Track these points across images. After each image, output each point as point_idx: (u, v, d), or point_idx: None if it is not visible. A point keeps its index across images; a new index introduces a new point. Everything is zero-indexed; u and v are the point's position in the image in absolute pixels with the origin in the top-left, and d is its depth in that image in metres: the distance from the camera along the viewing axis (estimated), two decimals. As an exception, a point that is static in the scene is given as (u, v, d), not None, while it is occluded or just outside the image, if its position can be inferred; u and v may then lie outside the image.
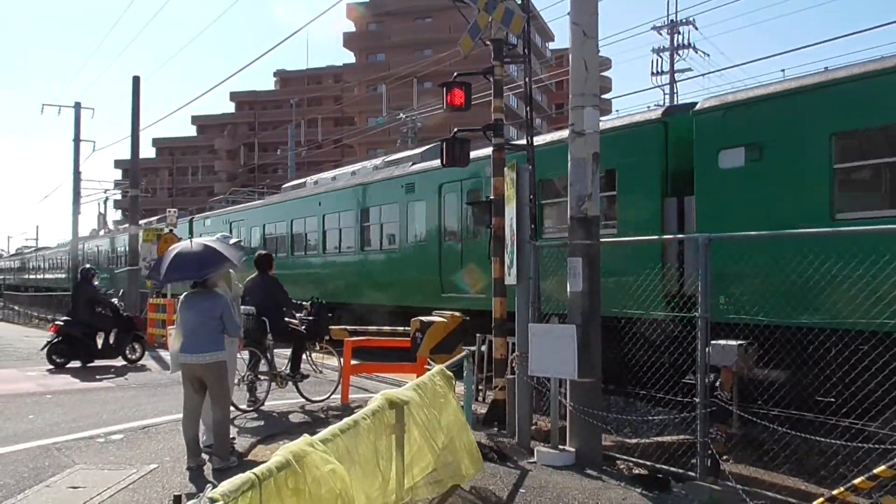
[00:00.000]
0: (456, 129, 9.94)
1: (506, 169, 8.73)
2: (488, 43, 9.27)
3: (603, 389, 7.76)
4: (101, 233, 51.48)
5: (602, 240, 7.39)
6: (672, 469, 6.93)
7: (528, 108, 9.86)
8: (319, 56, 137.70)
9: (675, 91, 33.01)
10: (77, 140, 39.11)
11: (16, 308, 49.83)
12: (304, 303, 11.06)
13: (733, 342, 7.99)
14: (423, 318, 10.06)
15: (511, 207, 8.35)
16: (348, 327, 14.34)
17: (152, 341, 18.82)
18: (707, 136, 10.25)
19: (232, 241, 8.14)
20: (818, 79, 9.16)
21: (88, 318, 14.57)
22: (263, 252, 10.81)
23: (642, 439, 8.86)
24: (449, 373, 6.51)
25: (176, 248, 7.15)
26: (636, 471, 7.00)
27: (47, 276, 57.57)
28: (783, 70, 57.33)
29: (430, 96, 45.12)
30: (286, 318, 10.64)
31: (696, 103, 10.73)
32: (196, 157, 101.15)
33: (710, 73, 74.87)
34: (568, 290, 7.35)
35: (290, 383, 10.52)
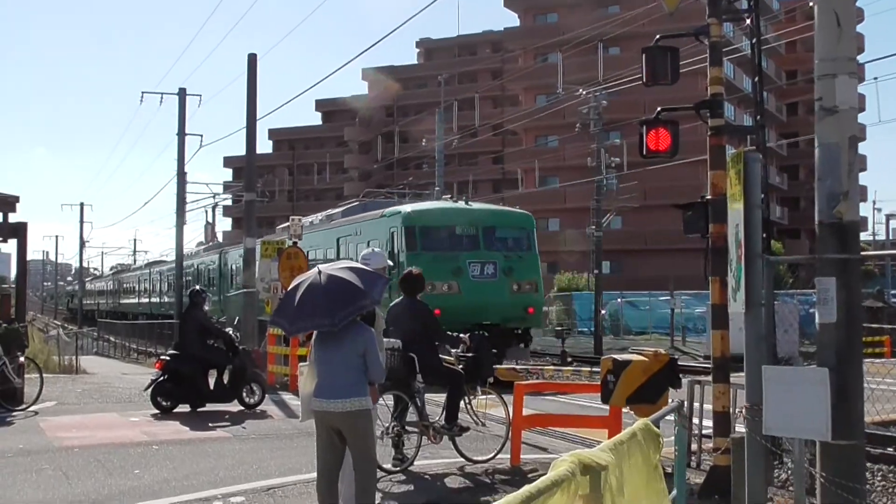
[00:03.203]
0: (659, 109, 9.84)
1: (729, 160, 8.55)
2: (701, -6, 9.14)
3: (867, 454, 7.41)
4: (205, 247, 54.07)
5: (865, 253, 7.08)
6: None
7: (755, 79, 9.61)
8: (473, 20, 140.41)
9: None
10: (182, 133, 41.72)
11: (112, 339, 53.68)
12: (461, 335, 11.24)
13: None
14: (617, 357, 9.98)
15: (737, 210, 8.16)
16: (518, 366, 14.43)
17: (273, 381, 19.71)
18: None
19: (376, 259, 8.40)
20: None
21: (198, 351, 15.48)
22: (415, 270, 11.07)
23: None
24: (655, 429, 6.43)
25: (303, 281, 7.40)
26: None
27: (152, 299, 61.09)
28: None
29: (618, 66, 44.75)
30: (440, 355, 10.87)
31: None
32: (322, 151, 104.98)
33: None
34: (816, 321, 7.08)
35: (445, 438, 10.72)
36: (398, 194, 63.61)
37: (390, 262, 8.74)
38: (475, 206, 26.74)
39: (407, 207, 25.99)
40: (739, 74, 67.11)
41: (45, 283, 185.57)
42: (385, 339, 9.64)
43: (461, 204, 26.42)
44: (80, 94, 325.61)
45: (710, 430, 9.70)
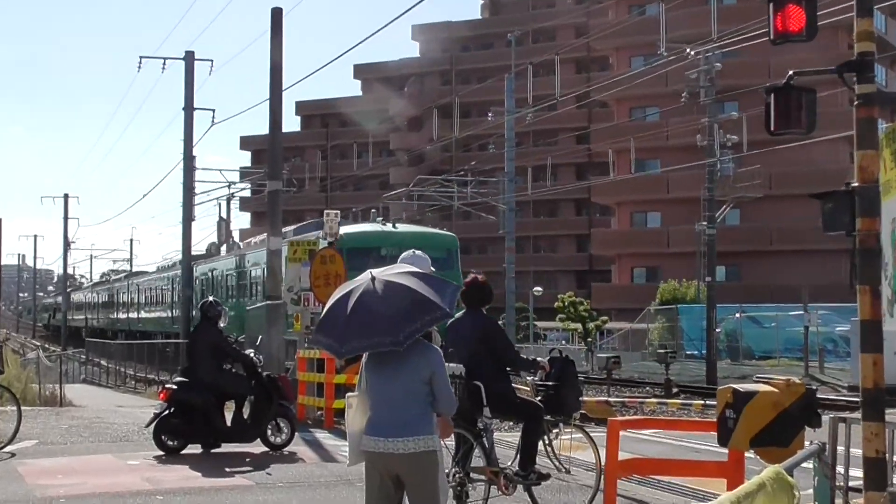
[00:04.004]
0: (791, 73, 9.76)
1: (882, 137, 8.48)
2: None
3: None
4: (222, 249, 54.60)
5: None
6: None
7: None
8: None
9: None
10: (189, 108, 42.35)
11: (104, 363, 54.48)
12: (539, 359, 11.25)
13: None
14: (738, 387, 9.91)
15: (893, 201, 8.08)
16: (611, 399, 14.47)
17: (304, 416, 19.84)
18: None
19: (419, 263, 8.41)
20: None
21: (212, 378, 15.63)
22: (480, 276, 11.09)
23: None
24: (789, 479, 6.39)
25: (352, 290, 7.33)
26: None
27: (152, 313, 61.77)
28: None
29: (736, 18, 44.35)
30: (512, 384, 10.88)
31: None
32: (362, 128, 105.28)
33: None
34: None
35: (519, 487, 10.72)
36: (457, 182, 64.10)
37: (433, 269, 8.75)
38: (400, 228, 36.46)
39: (344, 229, 32.76)
40: (894, 28, 66.27)
41: (22, 295, 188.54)
42: (445, 364, 9.68)
43: (388, 227, 36.05)
44: (63, 61, 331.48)
45: (860, 482, 9.57)
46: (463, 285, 10.63)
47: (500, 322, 11.90)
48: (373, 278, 7.27)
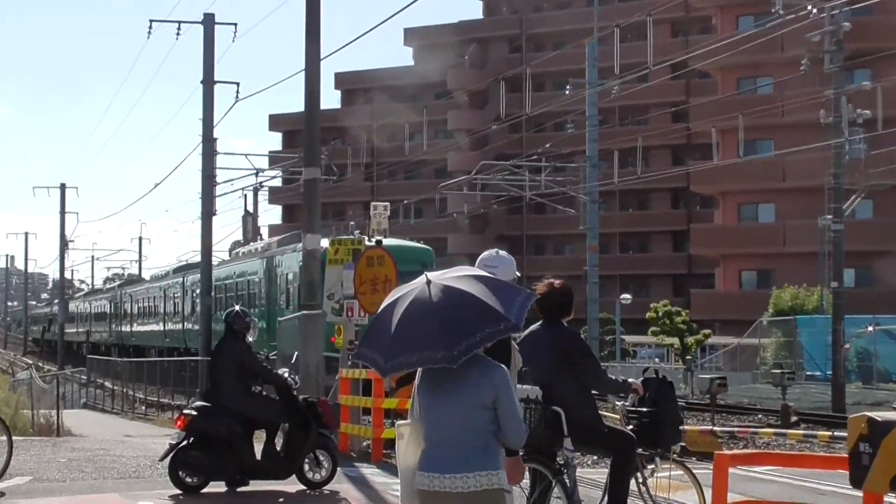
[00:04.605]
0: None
1: None
2: None
3: None
4: (245, 250, 54.92)
5: None
6: None
7: None
8: None
9: None
10: (209, 81, 42.62)
11: (108, 385, 54.93)
12: (630, 380, 11.21)
13: None
14: (875, 416, 9.81)
15: None
16: (717, 428, 14.41)
17: (348, 448, 19.88)
18: None
19: (503, 266, 8.37)
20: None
21: (239, 403, 15.66)
22: (556, 282, 11.05)
23: None
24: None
25: (403, 296, 7.30)
26: None
27: (163, 325, 62.42)
28: None
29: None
30: (599, 410, 10.86)
31: None
32: (414, 105, 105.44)
33: None
34: None
35: (607, 534, 10.70)
36: (529, 168, 63.86)
37: (518, 274, 8.73)
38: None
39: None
40: None
41: (10, 304, 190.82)
42: (518, 386, 9.66)
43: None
44: (58, 27, 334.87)
45: None
46: (537, 293, 10.63)
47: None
48: (428, 282, 7.27)
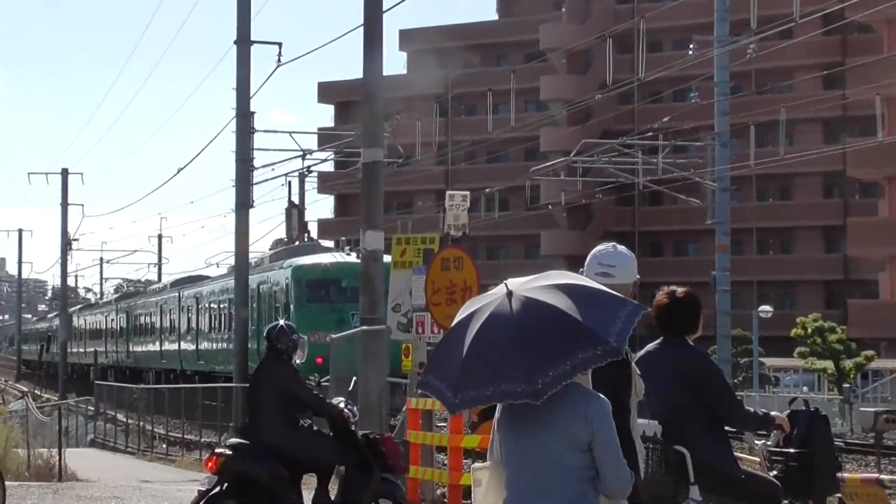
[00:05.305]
0: None
1: None
2: None
3: None
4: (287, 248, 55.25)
5: None
6: None
7: None
8: None
9: None
10: (244, 41, 42.90)
11: (121, 418, 55.32)
12: (773, 413, 11.19)
13: None
14: None
15: None
16: (884, 476, 14.40)
17: (419, 495, 19.94)
18: None
19: (622, 264, 8.36)
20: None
21: (284, 440, 15.77)
22: (677, 290, 11.03)
23: None
24: None
25: (477, 312, 7.13)
26: None
27: (192, 343, 63.21)
28: None
29: None
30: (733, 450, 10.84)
31: None
32: (498, 69, 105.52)
33: None
34: None
35: None
36: (642, 148, 63.56)
37: (638, 277, 8.68)
38: None
39: (301, 260, 50.12)
40: None
41: (0, 317, 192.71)
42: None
43: (350, 257, 47.01)
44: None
45: None
46: (654, 304, 10.62)
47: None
48: (509, 293, 7.08)
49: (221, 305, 59.51)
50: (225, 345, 54.66)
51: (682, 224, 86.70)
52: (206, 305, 63.04)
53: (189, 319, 65.67)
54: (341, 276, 47.06)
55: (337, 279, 47.26)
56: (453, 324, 7.33)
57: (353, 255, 46.49)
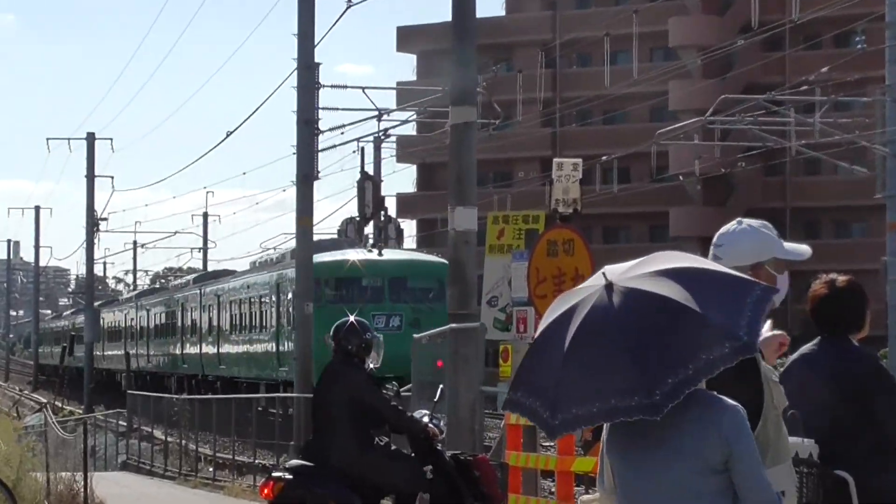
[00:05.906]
0: None
1: None
2: None
3: None
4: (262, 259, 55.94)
5: None
6: None
7: None
8: None
9: None
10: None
11: (158, 435, 55.74)
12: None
13: None
14: None
15: None
16: None
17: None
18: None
19: (742, 242, 8.29)
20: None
21: (356, 460, 15.89)
22: (838, 278, 10.98)
23: None
24: None
25: (575, 308, 6.95)
26: None
27: (242, 346, 63.70)
28: None
29: None
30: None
31: None
32: (618, 9, 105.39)
33: None
34: None
35: None
36: (794, 106, 63.11)
37: (763, 258, 8.51)
38: (388, 255, 55.04)
39: (318, 258, 51.78)
40: None
41: (14, 313, 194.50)
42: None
43: (372, 254, 54.62)
44: None
45: None
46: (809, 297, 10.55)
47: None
48: (608, 284, 6.84)
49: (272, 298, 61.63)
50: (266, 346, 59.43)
51: (844, 199, 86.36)
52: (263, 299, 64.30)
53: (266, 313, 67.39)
54: (362, 273, 53.23)
55: (357, 278, 53.30)
56: (543, 326, 7.02)
57: (375, 251, 54.15)
